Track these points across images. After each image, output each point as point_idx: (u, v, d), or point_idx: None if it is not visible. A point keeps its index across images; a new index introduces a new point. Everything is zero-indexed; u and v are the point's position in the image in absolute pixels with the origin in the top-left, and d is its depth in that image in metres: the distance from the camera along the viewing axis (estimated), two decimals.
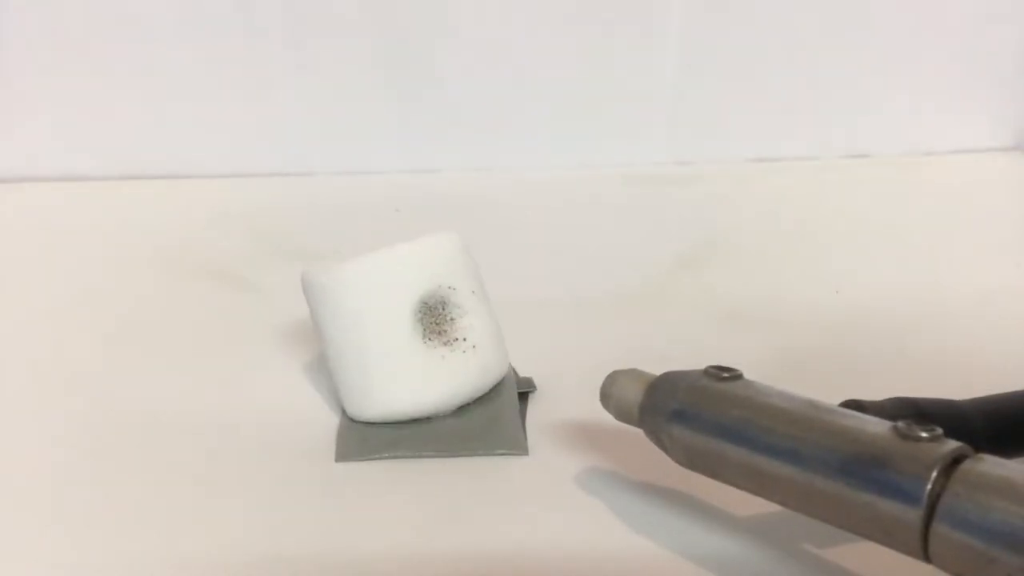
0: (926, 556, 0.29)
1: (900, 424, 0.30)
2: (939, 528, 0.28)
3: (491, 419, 0.43)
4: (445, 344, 0.43)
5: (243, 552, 0.36)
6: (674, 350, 0.50)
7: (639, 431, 0.38)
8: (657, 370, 0.38)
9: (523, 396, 0.46)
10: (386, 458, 0.41)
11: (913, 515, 0.28)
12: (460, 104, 0.74)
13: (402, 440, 0.42)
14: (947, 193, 0.72)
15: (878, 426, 0.30)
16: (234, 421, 0.44)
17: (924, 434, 0.29)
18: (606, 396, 0.38)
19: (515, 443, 0.42)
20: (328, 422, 0.44)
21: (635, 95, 0.76)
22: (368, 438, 0.42)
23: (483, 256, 0.62)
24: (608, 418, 0.39)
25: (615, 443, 0.42)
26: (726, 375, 0.35)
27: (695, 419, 0.34)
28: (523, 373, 0.47)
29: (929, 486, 0.28)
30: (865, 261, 0.61)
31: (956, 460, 0.29)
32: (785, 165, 0.77)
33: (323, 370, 0.47)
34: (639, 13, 0.73)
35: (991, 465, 0.28)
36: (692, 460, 0.35)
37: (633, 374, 0.38)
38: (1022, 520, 0.27)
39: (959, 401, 0.37)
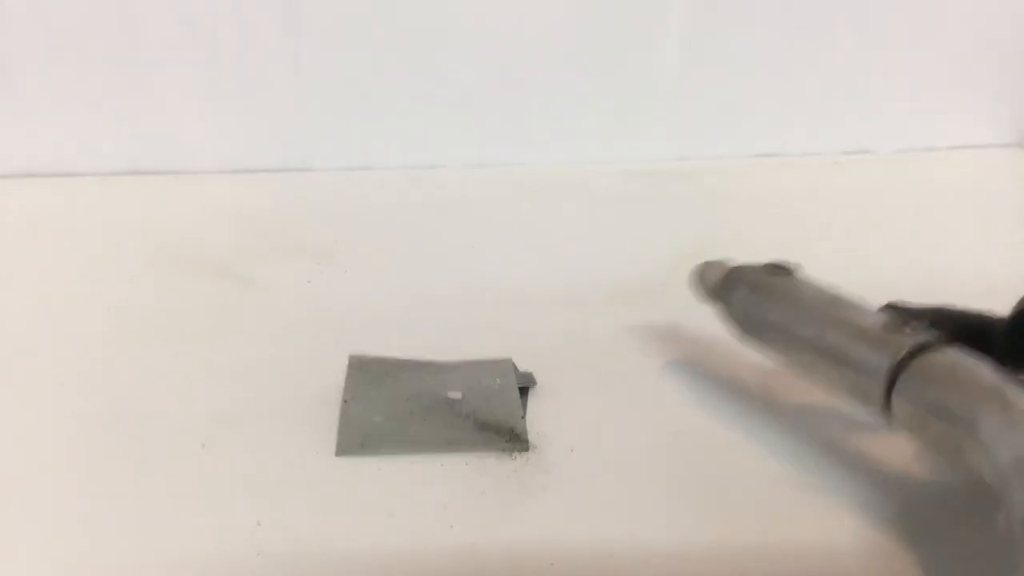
0: (890, 419, 0.36)
1: (888, 321, 0.38)
2: (896, 398, 0.36)
3: (492, 414, 0.43)
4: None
5: (242, 547, 0.36)
6: (675, 347, 0.50)
7: (635, 427, 0.41)
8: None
9: (523, 391, 0.46)
10: (385, 454, 0.41)
11: (879, 387, 0.36)
12: (460, 101, 0.74)
13: (403, 435, 0.42)
14: (948, 189, 0.72)
15: (874, 320, 0.39)
16: (234, 417, 0.44)
17: (907, 329, 0.37)
18: (698, 278, 0.48)
19: (516, 438, 0.42)
20: (328, 418, 0.43)
21: (637, 91, 0.76)
22: (370, 433, 0.42)
23: (484, 253, 0.62)
24: (608, 412, 0.39)
25: (614, 436, 0.42)
26: (780, 271, 0.45)
27: (751, 302, 0.44)
28: (523, 368, 0.47)
29: (891, 365, 0.36)
30: (865, 256, 0.61)
31: (922, 349, 0.36)
32: (786, 161, 0.77)
33: (319, 370, 0.47)
34: (641, 9, 0.73)
35: (947, 356, 0.35)
36: (746, 327, 0.44)
37: (717, 264, 0.47)
38: (948, 399, 0.34)
39: (992, 317, 0.42)
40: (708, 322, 0.52)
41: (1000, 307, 0.53)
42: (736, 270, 0.46)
